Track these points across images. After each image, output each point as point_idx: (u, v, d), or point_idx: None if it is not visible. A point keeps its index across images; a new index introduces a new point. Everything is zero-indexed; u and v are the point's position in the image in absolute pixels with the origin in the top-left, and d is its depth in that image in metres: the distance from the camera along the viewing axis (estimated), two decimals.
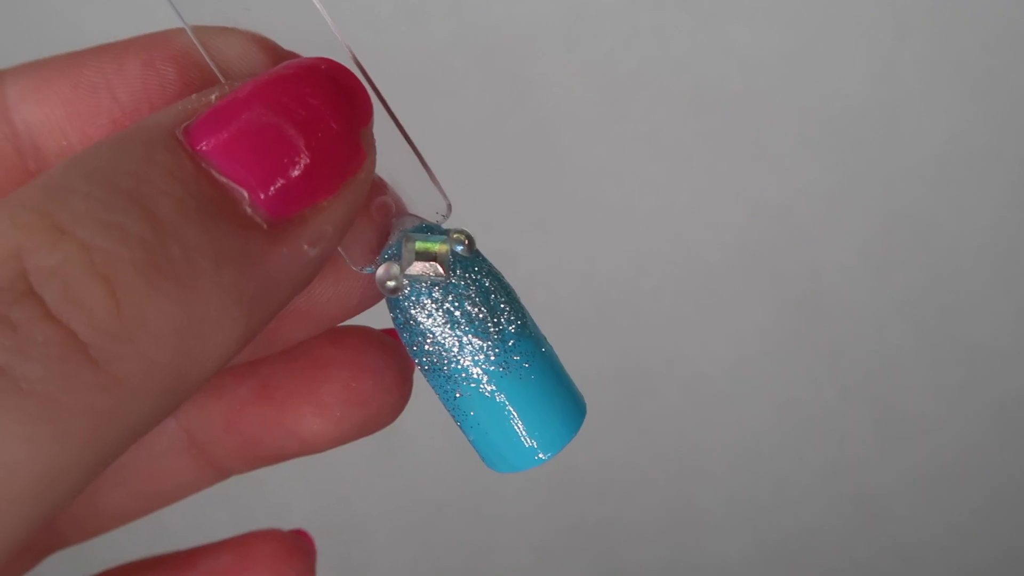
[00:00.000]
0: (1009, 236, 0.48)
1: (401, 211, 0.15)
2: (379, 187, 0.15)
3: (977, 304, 0.49)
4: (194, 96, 0.13)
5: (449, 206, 0.15)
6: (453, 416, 0.16)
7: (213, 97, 0.13)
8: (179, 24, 0.14)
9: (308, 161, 0.13)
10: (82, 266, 0.11)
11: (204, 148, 0.13)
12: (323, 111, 0.13)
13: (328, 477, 0.51)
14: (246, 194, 0.13)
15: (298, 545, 0.19)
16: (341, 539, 0.52)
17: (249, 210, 0.13)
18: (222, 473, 0.19)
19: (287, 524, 0.20)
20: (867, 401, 0.51)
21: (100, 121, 0.15)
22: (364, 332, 0.18)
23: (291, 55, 0.15)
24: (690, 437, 0.51)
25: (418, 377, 0.19)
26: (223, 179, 0.13)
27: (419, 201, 0.15)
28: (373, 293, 0.16)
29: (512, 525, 0.52)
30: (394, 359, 0.18)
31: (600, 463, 0.51)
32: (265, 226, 0.13)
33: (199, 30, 0.14)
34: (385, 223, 0.15)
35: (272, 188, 0.13)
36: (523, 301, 0.16)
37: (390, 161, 0.15)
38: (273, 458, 0.19)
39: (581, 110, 0.47)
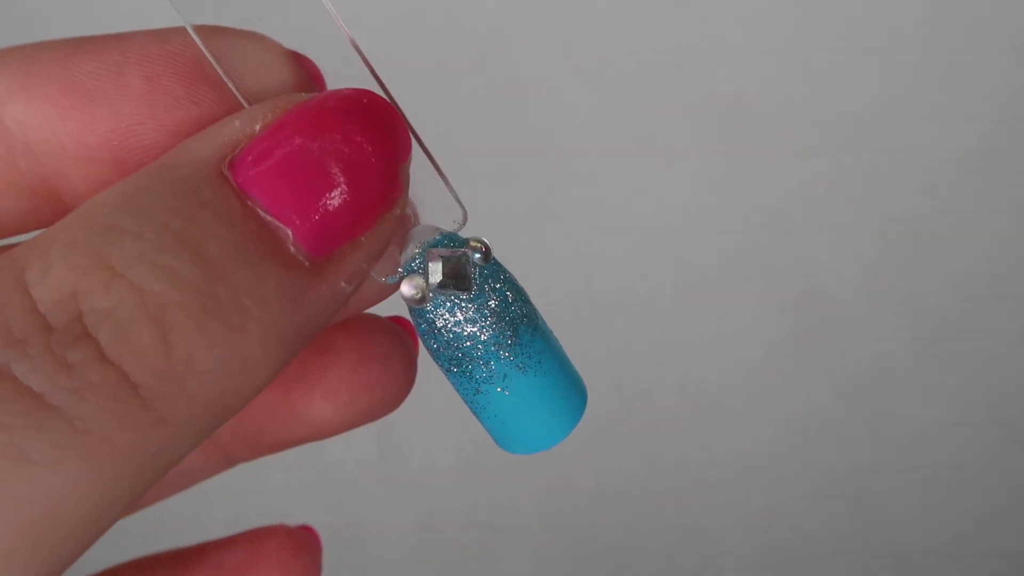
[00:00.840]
0: (1007, 242, 0.48)
1: (417, 220, 0.15)
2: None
3: (975, 310, 0.49)
4: (237, 123, 0.13)
5: (465, 215, 0.15)
6: (470, 408, 0.17)
7: (257, 127, 0.13)
8: (181, 24, 0.14)
9: (351, 199, 0.13)
10: (135, 309, 0.12)
11: (250, 186, 0.13)
12: (367, 148, 0.13)
13: (328, 484, 0.50)
14: (291, 233, 0.13)
15: (305, 541, 0.20)
16: (340, 546, 0.51)
17: (293, 249, 0.13)
18: (230, 460, 0.20)
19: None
20: (865, 407, 0.51)
21: (97, 129, 0.14)
22: (370, 319, 0.19)
23: (308, 62, 0.15)
24: (687, 444, 0.51)
25: (420, 381, 0.19)
26: (269, 218, 0.13)
27: (435, 209, 0.15)
28: (381, 293, 0.17)
29: (510, 533, 0.52)
30: (400, 345, 0.19)
31: (597, 470, 0.51)
32: (307, 264, 0.13)
33: (208, 37, 0.14)
34: (405, 233, 0.15)
35: (316, 227, 0.13)
36: None
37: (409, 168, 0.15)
38: (280, 444, 0.19)
39: (576, 113, 0.47)
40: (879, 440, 0.51)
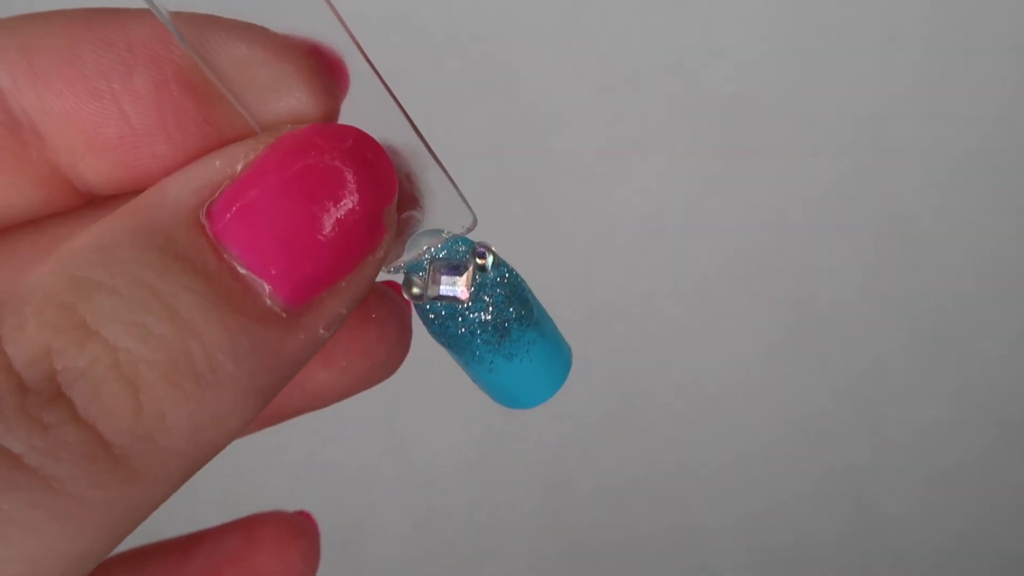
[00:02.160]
0: (1003, 241, 0.49)
1: (422, 221, 0.15)
2: (408, 201, 0.15)
3: (974, 311, 0.49)
4: (217, 163, 0.13)
5: (475, 220, 0.15)
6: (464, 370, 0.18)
7: (238, 168, 0.13)
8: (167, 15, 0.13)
9: (332, 247, 0.13)
10: (108, 369, 0.12)
11: (226, 237, 0.12)
12: (350, 195, 0.13)
13: (326, 484, 0.50)
14: (267, 287, 0.13)
15: (303, 526, 0.20)
16: (338, 547, 0.51)
17: (269, 302, 0.13)
18: None
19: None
20: (864, 408, 0.51)
21: (106, 132, 0.14)
22: None
23: (321, 51, 0.14)
24: (686, 444, 0.51)
25: (419, 383, 0.19)
26: (244, 271, 0.13)
27: (445, 213, 0.15)
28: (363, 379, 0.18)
29: (509, 533, 0.52)
30: (395, 309, 0.19)
31: (596, 470, 0.51)
32: (284, 316, 0.13)
33: (195, 31, 0.13)
34: (410, 233, 0.15)
35: (294, 278, 0.13)
36: None
37: (416, 173, 0.14)
38: (278, 416, 0.19)
39: (575, 113, 0.47)
40: (878, 440, 0.51)
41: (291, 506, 0.21)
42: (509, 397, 0.18)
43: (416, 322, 0.20)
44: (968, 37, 0.46)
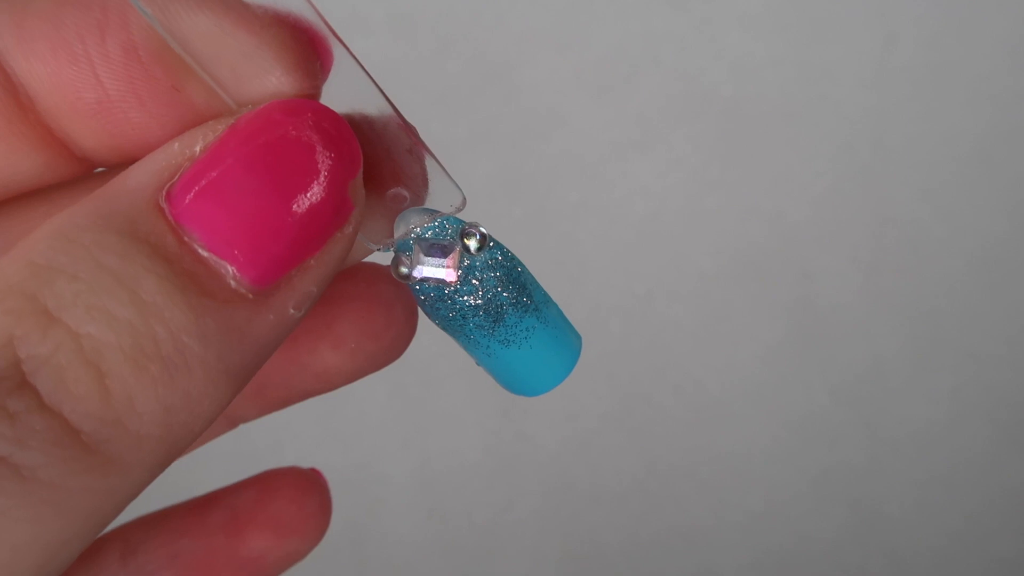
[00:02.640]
0: (1001, 242, 0.49)
1: (415, 201, 0.15)
2: (395, 177, 0.15)
3: (969, 310, 0.49)
4: (176, 146, 0.13)
5: (464, 199, 0.15)
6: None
7: (197, 149, 0.13)
8: None
9: (296, 226, 0.12)
10: (72, 354, 0.12)
11: (186, 219, 0.12)
12: (311, 169, 0.12)
13: (328, 480, 0.50)
14: (231, 268, 0.12)
15: (316, 479, 0.20)
16: (339, 547, 0.51)
17: (234, 283, 0.12)
18: (232, 421, 0.20)
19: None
20: (861, 409, 0.51)
21: (84, 97, 0.14)
22: (373, 268, 0.19)
23: (303, 28, 0.13)
24: (684, 445, 0.51)
25: (420, 389, 0.19)
26: (206, 254, 0.12)
27: (434, 193, 0.15)
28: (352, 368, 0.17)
29: (508, 534, 0.52)
30: (402, 291, 0.19)
31: (594, 471, 0.51)
32: (251, 296, 0.13)
33: (160, 5, 0.13)
34: (398, 209, 0.15)
35: (258, 259, 0.12)
36: None
37: (400, 151, 0.14)
38: (286, 399, 0.19)
39: (573, 114, 0.47)
40: (875, 441, 0.51)
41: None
42: (511, 382, 0.17)
43: (422, 315, 0.20)
44: (965, 39, 0.46)
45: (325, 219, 0.13)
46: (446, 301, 0.16)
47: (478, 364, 0.17)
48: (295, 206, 0.12)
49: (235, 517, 0.19)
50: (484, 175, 0.47)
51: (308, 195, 0.12)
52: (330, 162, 0.13)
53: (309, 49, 0.13)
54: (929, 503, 0.51)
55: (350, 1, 0.45)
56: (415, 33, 0.46)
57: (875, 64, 0.47)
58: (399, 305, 0.19)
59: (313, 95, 0.14)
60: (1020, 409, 0.50)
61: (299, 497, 0.20)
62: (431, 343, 0.17)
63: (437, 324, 0.16)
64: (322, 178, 0.13)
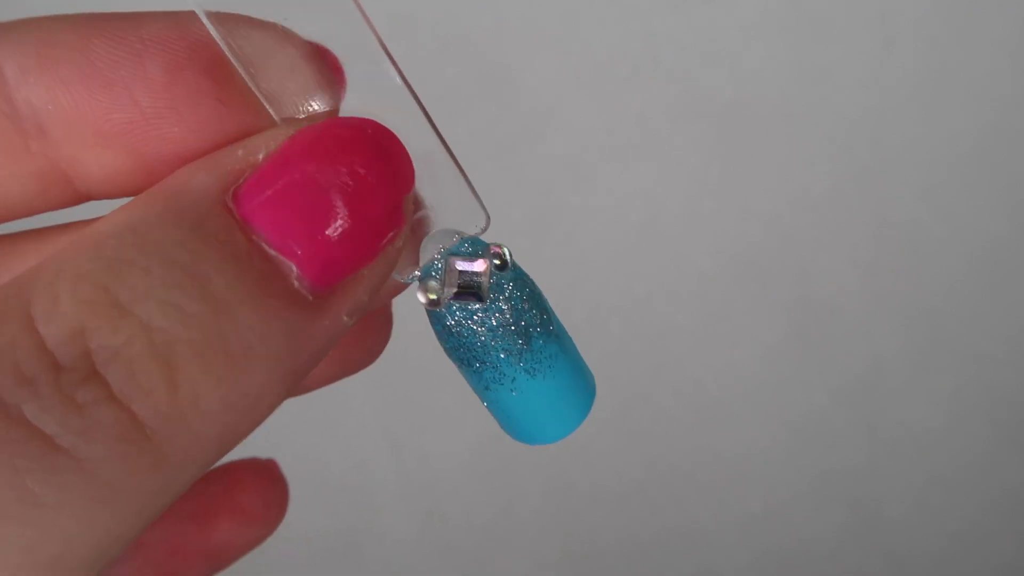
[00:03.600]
0: (1000, 244, 0.49)
1: (431, 224, 0.15)
2: (418, 201, 0.15)
3: (971, 313, 0.50)
4: (240, 152, 0.13)
5: (488, 220, 0.15)
6: (480, 398, 0.17)
7: (260, 156, 0.13)
8: (193, 8, 0.13)
9: (354, 232, 0.13)
10: (143, 348, 0.12)
11: (254, 218, 0.13)
12: (370, 180, 0.13)
13: (326, 489, 0.50)
14: (295, 268, 0.13)
15: (274, 470, 0.21)
16: (338, 550, 0.51)
17: (297, 284, 0.13)
18: None
19: (297, 541, 0.21)
20: (861, 410, 0.51)
21: (116, 119, 0.14)
22: None
23: (329, 56, 0.14)
24: (684, 446, 0.51)
25: (418, 386, 0.19)
26: (273, 253, 0.13)
27: (458, 213, 0.15)
28: (397, 289, 0.17)
29: (508, 536, 0.52)
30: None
31: (594, 473, 0.51)
32: (310, 298, 0.13)
33: (224, 27, 0.13)
34: (423, 236, 0.15)
35: (320, 260, 0.13)
36: None
37: (431, 171, 0.14)
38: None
39: (572, 117, 0.47)
40: (875, 442, 0.51)
41: (292, 509, 0.22)
42: (530, 424, 0.17)
43: (403, 321, 0.20)
44: (963, 40, 0.46)
45: (380, 229, 0.13)
46: (475, 326, 0.16)
47: (494, 410, 0.17)
48: (354, 213, 0.13)
49: (203, 508, 0.20)
50: (480, 176, 0.47)
51: (366, 204, 0.13)
52: (387, 176, 0.13)
53: (332, 67, 0.14)
54: (929, 504, 0.52)
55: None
56: (414, 34, 0.46)
57: (874, 66, 0.47)
58: (375, 313, 0.19)
59: (335, 110, 0.14)
60: (1020, 410, 0.51)
61: (262, 487, 0.20)
62: (429, 344, 0.17)
63: (460, 359, 0.16)
64: (379, 190, 0.13)
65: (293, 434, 0.49)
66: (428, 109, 0.14)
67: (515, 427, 0.17)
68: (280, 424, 0.47)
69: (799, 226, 0.49)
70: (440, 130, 0.14)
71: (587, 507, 0.51)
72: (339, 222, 0.13)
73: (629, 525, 0.52)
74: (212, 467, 0.13)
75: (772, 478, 0.51)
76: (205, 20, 0.13)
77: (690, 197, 0.48)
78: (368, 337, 0.19)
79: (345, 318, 0.13)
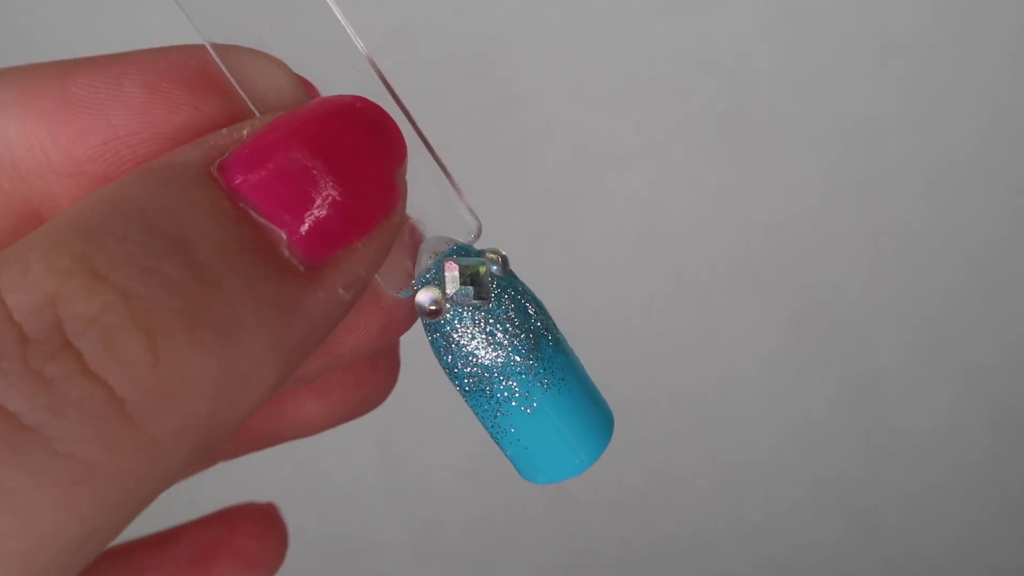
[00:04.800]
0: (999, 251, 0.49)
1: (424, 234, 0.15)
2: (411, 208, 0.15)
3: (970, 320, 0.49)
4: (224, 131, 0.13)
5: (480, 227, 0.15)
6: (491, 434, 0.16)
7: (244, 132, 0.13)
8: (197, 40, 0.14)
9: (345, 201, 0.13)
10: (121, 316, 0.11)
11: (241, 186, 0.12)
12: (359, 151, 0.13)
13: (325, 497, 0.50)
14: (284, 236, 0.12)
15: (273, 514, 0.20)
16: (337, 559, 0.51)
17: (287, 252, 0.12)
18: (211, 458, 0.20)
19: (295, 548, 0.21)
20: (860, 417, 0.51)
21: (89, 142, 0.14)
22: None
23: (311, 87, 0.14)
24: (681, 454, 0.51)
25: (418, 392, 0.19)
26: (262, 220, 0.12)
27: (449, 222, 0.15)
28: (395, 323, 0.16)
29: (508, 545, 0.52)
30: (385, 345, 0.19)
31: (594, 481, 0.51)
32: (302, 269, 0.12)
33: (219, 49, 0.14)
34: (415, 246, 0.15)
35: (310, 228, 0.12)
36: None
37: (420, 181, 0.14)
38: (263, 442, 0.19)
39: (573, 125, 0.47)
40: (874, 450, 0.51)
41: (288, 517, 0.21)
42: (553, 452, 0.16)
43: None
44: (960, 49, 0.46)
45: (374, 201, 0.13)
46: (479, 336, 0.15)
47: (507, 438, 0.16)
48: (345, 183, 0.13)
49: (201, 552, 0.19)
50: (479, 184, 0.47)
51: (358, 174, 0.13)
52: (379, 146, 0.13)
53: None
54: (928, 513, 0.51)
55: (350, 13, 0.45)
56: (415, 43, 0.46)
57: (872, 74, 0.47)
58: (383, 356, 0.19)
59: None
60: (1019, 418, 0.50)
61: (260, 531, 0.20)
62: (426, 352, 0.17)
63: (464, 382, 0.16)
64: (371, 160, 0.13)
65: (289, 444, 0.48)
66: (416, 119, 0.14)
67: (535, 460, 0.16)
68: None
69: (797, 235, 0.49)
70: (428, 138, 0.14)
71: (587, 515, 0.51)
72: (328, 191, 0.12)
73: (629, 533, 0.52)
74: (204, 453, 0.12)
75: (771, 487, 0.51)
76: (209, 46, 0.13)
77: (689, 206, 0.48)
78: (375, 377, 0.19)
79: (341, 291, 0.13)
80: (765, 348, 0.50)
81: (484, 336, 0.15)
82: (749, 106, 0.47)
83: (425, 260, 0.15)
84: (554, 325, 0.16)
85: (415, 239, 0.15)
